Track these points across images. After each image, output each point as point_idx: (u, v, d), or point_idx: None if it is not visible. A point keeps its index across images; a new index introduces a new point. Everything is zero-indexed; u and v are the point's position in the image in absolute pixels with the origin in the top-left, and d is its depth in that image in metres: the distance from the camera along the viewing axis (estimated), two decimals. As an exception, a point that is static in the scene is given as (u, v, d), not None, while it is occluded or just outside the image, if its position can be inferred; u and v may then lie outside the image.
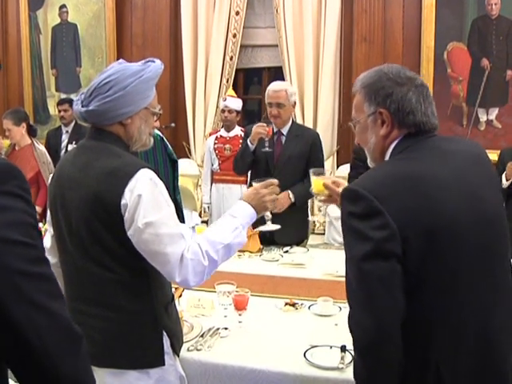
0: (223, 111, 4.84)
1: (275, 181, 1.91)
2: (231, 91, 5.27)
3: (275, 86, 3.59)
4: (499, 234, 1.43)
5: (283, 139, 3.61)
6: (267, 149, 3.47)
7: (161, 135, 3.61)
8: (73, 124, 5.77)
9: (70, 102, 5.73)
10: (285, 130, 3.61)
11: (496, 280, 1.40)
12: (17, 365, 1.02)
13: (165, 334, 1.75)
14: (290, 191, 3.49)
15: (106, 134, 1.73)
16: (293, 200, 3.48)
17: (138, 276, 1.70)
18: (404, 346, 1.30)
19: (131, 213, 1.61)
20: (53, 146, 5.74)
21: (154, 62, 1.81)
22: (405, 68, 1.46)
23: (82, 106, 1.72)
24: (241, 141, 4.49)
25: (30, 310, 0.99)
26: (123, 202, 1.61)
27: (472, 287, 1.35)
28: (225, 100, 4.84)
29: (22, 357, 1.00)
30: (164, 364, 1.73)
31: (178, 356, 1.84)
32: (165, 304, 1.78)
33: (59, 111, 5.84)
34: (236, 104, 4.79)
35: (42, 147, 4.83)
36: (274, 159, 3.58)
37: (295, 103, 3.62)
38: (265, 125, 3.47)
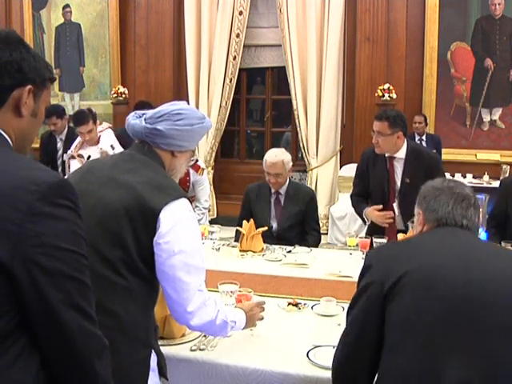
0: None
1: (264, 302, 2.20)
2: None
3: (272, 157, 3.68)
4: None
5: (282, 199, 3.78)
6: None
7: None
8: (65, 132, 5.60)
9: (56, 112, 5.42)
10: (282, 190, 3.78)
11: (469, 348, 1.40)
12: (58, 363, 1.12)
13: (153, 352, 1.72)
14: None
15: (156, 155, 1.81)
16: None
17: (144, 288, 1.69)
18: None
19: (168, 235, 1.64)
20: (49, 153, 5.59)
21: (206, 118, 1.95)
22: (457, 183, 1.76)
23: (146, 123, 1.79)
24: (188, 178, 4.30)
25: (77, 313, 1.11)
26: (162, 215, 1.64)
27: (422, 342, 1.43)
28: None
29: (65, 355, 1.11)
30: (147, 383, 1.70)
31: (167, 379, 1.82)
32: (155, 326, 1.80)
33: (49, 125, 5.52)
34: None
35: None
36: (277, 219, 3.75)
37: (291, 169, 3.78)
38: None
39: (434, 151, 6.27)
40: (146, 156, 1.80)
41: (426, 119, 6.47)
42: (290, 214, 3.72)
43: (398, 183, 3.43)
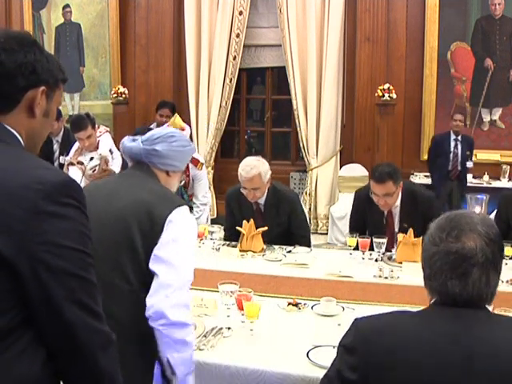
0: None
1: None
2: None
3: (247, 171, 3.37)
4: None
5: (262, 208, 3.58)
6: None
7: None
8: (61, 134, 5.58)
9: None
10: (261, 200, 3.55)
11: None
12: (63, 358, 1.13)
13: (157, 362, 1.74)
14: None
15: (154, 174, 1.96)
16: None
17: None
18: None
19: (168, 232, 1.75)
20: (47, 153, 5.60)
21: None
22: (461, 226, 1.35)
23: (144, 145, 1.93)
24: (187, 173, 4.28)
25: (81, 311, 1.12)
26: (168, 219, 1.75)
27: None
28: None
29: (69, 351, 1.12)
30: None
31: None
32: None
33: None
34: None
35: None
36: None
37: (269, 179, 3.47)
38: None
39: (468, 152, 6.18)
40: (145, 174, 1.94)
41: (465, 119, 6.40)
42: (271, 224, 3.48)
43: (396, 229, 3.43)
